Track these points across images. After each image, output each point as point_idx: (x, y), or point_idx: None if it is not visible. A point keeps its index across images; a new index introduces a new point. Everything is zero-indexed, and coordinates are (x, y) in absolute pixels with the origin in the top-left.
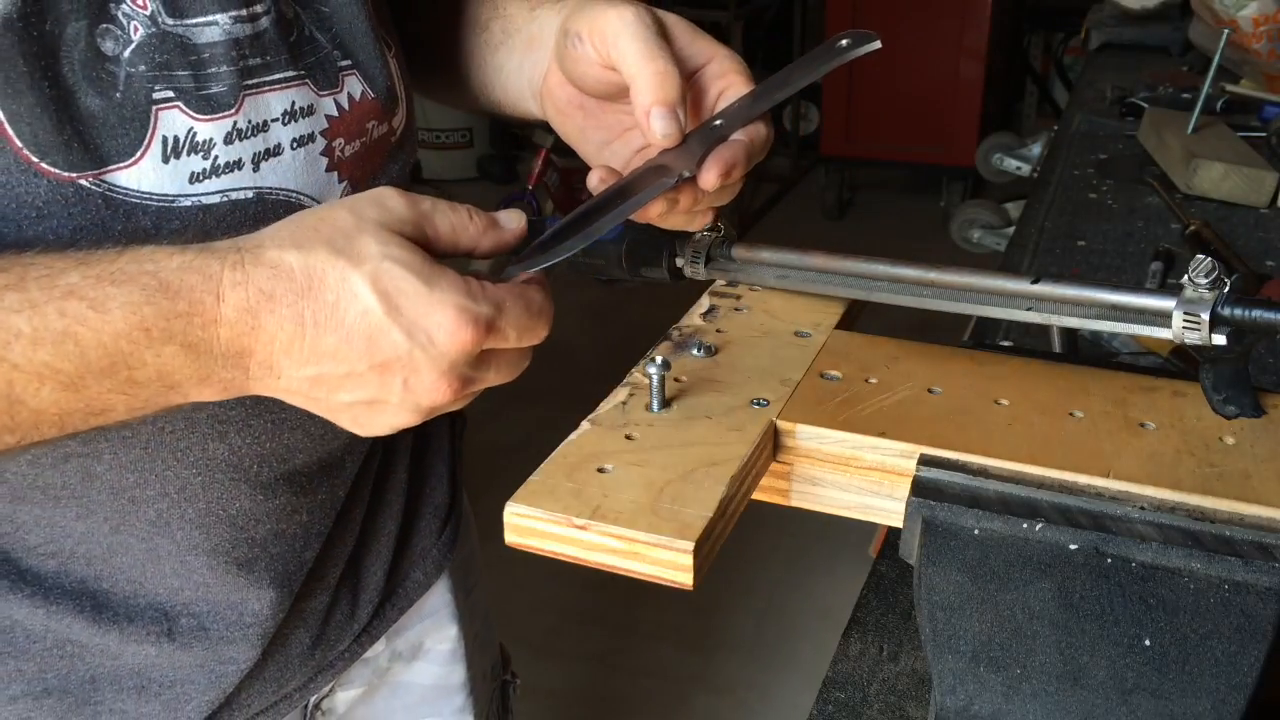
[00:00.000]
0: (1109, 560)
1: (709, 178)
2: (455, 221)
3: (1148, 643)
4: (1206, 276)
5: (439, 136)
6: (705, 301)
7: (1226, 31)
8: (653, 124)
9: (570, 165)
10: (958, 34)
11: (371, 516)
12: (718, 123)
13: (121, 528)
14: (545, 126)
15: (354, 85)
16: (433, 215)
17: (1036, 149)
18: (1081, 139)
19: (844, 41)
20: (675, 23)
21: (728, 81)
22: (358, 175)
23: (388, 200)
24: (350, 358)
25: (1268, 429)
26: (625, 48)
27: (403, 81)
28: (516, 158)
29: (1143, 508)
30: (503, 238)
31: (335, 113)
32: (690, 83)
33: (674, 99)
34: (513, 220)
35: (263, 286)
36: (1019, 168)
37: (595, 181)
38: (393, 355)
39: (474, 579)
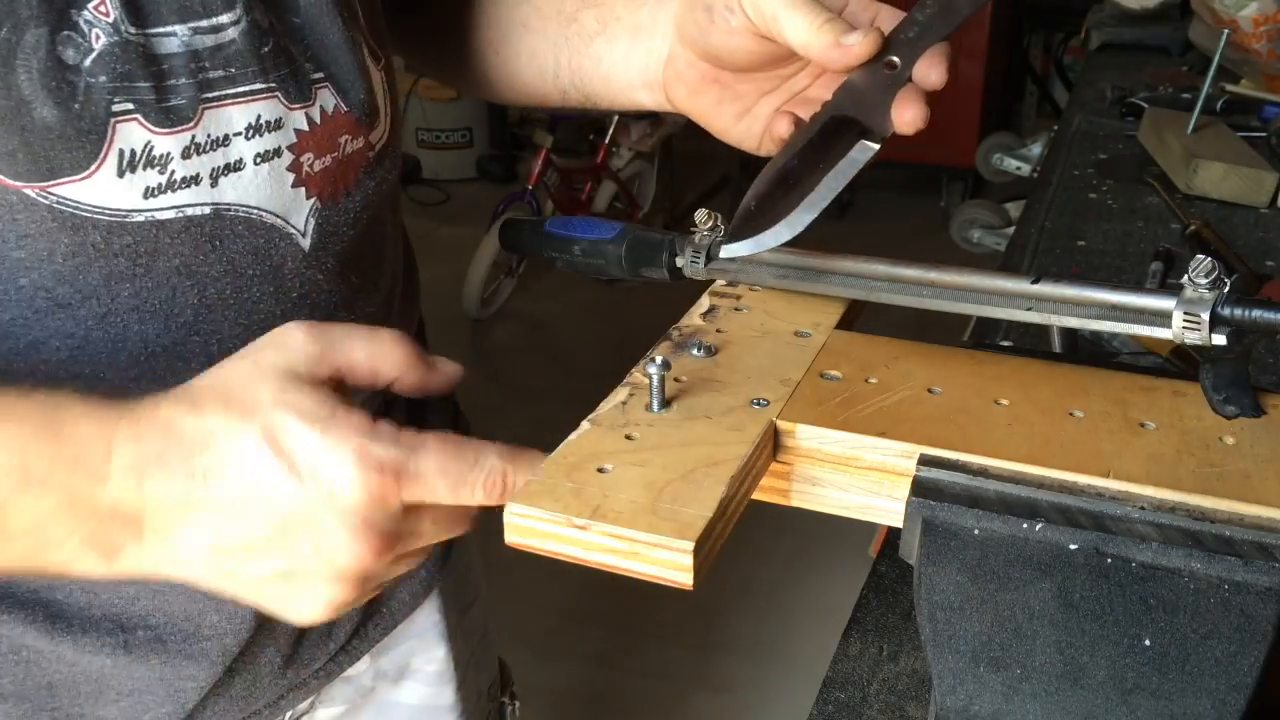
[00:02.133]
0: (1109, 560)
1: (935, 75)
2: (372, 349)
3: (1148, 643)
4: (1206, 276)
5: (439, 136)
6: (705, 301)
7: (1226, 31)
8: (848, 44)
9: (570, 165)
10: (958, 34)
11: None
12: (891, 57)
13: None
14: (547, 126)
15: (327, 99)
16: (344, 345)
17: (1036, 149)
18: (1081, 139)
19: None
20: None
21: (874, 10)
22: (328, 191)
23: (290, 340)
24: (249, 517)
25: (1268, 429)
26: (787, 13)
27: (388, 96)
28: (516, 158)
29: (1143, 508)
30: (431, 378)
31: (305, 127)
32: None
33: (847, 30)
34: (450, 367)
35: (153, 447)
36: (1019, 168)
37: (785, 128)
38: (292, 512)
39: (470, 597)
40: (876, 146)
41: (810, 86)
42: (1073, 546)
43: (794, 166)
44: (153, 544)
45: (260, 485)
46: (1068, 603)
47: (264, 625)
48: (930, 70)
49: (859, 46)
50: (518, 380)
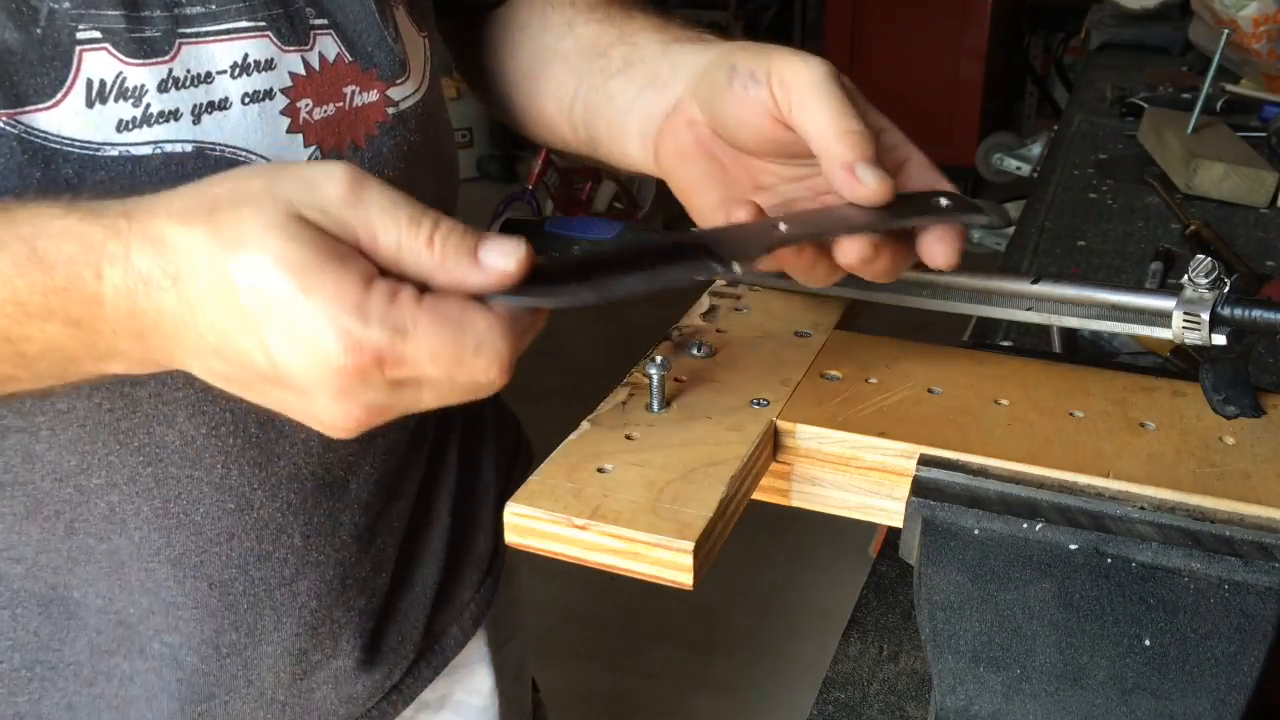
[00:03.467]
0: (1109, 560)
1: (848, 253)
2: (404, 240)
3: (1148, 643)
4: (1206, 276)
5: None
6: (705, 301)
7: (1226, 31)
8: (861, 177)
9: (570, 166)
10: (958, 34)
11: (410, 564)
12: (781, 225)
13: (76, 525)
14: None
15: (328, 46)
16: (373, 223)
17: (1036, 149)
18: (1081, 139)
19: (943, 201)
20: (855, 90)
21: (905, 154)
22: (330, 141)
23: (322, 182)
24: (231, 359)
25: (1268, 429)
26: (816, 104)
27: (428, 64)
28: (516, 158)
29: (1143, 508)
30: (469, 279)
31: (302, 71)
32: None
33: (873, 158)
34: (502, 259)
35: (140, 266)
36: (1019, 168)
37: (743, 216)
38: (270, 369)
39: (509, 632)
40: (718, 268)
41: (806, 200)
42: (1073, 546)
43: (632, 255)
44: (164, 360)
45: (236, 333)
46: (1068, 603)
47: (317, 662)
48: (930, 249)
49: (870, 186)
50: (518, 380)
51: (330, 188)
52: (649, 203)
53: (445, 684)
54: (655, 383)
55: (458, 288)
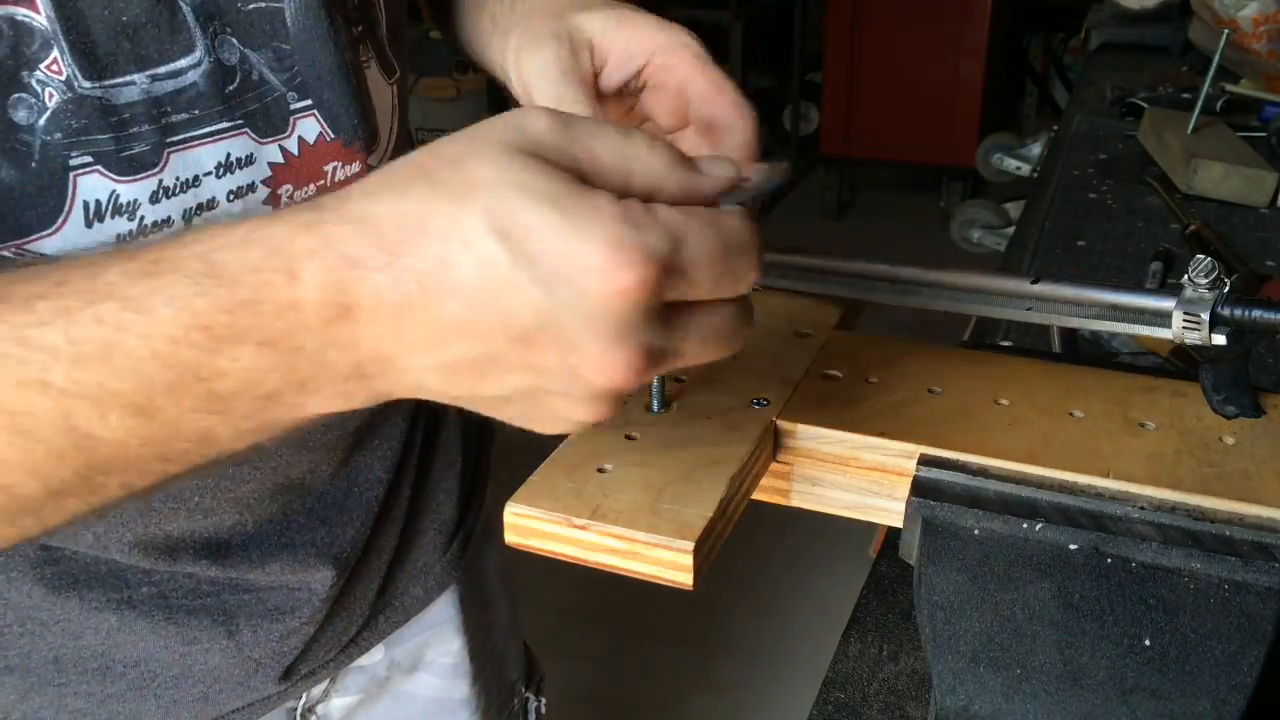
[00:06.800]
0: (1109, 560)
1: None
2: (627, 151)
3: (1148, 643)
4: (1206, 276)
5: (439, 136)
6: None
7: (1226, 31)
8: None
9: None
10: (958, 34)
11: (372, 534)
12: None
13: (65, 544)
14: None
15: (309, 128)
16: (591, 139)
17: (1036, 149)
18: (1081, 139)
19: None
20: (606, 27)
21: (674, 59)
22: None
23: (526, 120)
24: (479, 331)
25: (1268, 429)
26: (540, 98)
27: (396, 114)
28: None
29: (1143, 508)
30: (697, 184)
31: (281, 159)
32: (638, 80)
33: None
34: (718, 166)
35: (346, 251)
36: (1019, 168)
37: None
38: (534, 322)
39: (493, 592)
40: None
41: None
42: (1073, 546)
43: None
44: (377, 372)
45: (490, 290)
46: (1068, 603)
47: (287, 624)
48: None
49: None
50: None
51: (538, 122)
52: None
53: (417, 645)
54: (655, 383)
55: (683, 196)
